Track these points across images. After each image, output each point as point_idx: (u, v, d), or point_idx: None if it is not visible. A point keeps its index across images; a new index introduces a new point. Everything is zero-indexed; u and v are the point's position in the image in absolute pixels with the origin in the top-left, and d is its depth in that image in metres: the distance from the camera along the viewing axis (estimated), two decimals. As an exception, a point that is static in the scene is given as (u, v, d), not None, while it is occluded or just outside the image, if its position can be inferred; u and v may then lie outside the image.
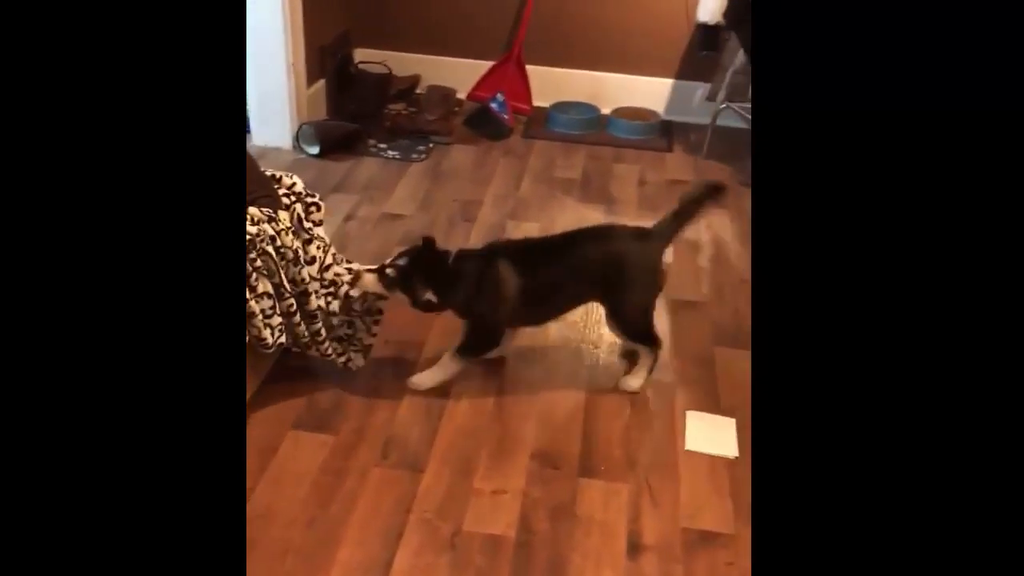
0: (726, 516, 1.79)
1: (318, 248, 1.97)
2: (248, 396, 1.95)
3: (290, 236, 1.86)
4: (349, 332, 2.07)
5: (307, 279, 1.89)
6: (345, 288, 2.01)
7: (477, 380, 2.14)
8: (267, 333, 1.81)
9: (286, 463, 1.84)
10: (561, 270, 2.02)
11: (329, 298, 1.99)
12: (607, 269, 2.02)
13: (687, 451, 1.96)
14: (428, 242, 1.97)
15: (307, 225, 1.99)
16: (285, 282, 1.84)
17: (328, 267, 2.00)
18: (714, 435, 2.02)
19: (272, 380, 2.04)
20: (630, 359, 2.22)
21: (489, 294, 1.98)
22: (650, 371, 2.14)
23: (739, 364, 2.26)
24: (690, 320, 2.47)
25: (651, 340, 2.13)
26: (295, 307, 1.89)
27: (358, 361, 2.09)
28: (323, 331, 1.96)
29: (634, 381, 2.14)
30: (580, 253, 2.03)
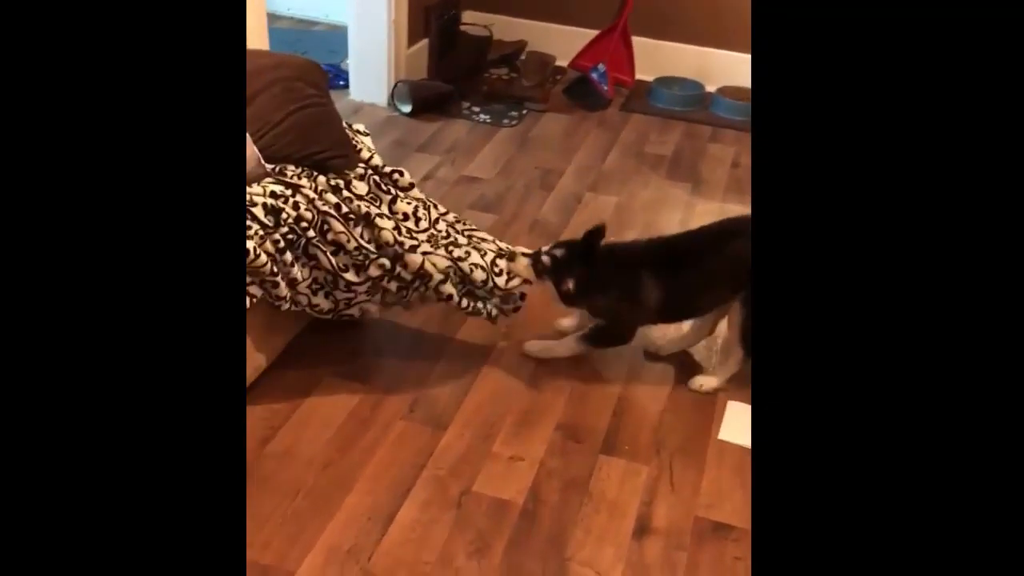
0: (745, 510, 1.74)
1: (411, 205, 1.94)
2: (288, 340, 2.01)
3: (359, 203, 1.84)
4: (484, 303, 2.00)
5: (393, 240, 1.83)
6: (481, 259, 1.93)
7: (518, 347, 2.14)
8: (319, 299, 1.86)
9: (316, 407, 1.90)
10: (704, 272, 1.97)
11: (454, 249, 1.92)
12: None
13: (719, 440, 1.91)
14: (593, 233, 1.94)
15: (389, 195, 1.95)
16: (364, 244, 1.81)
17: (445, 231, 1.95)
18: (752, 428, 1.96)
19: (315, 327, 2.10)
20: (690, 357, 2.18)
21: (629, 303, 1.98)
22: (733, 375, 2.05)
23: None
24: (754, 309, 2.39)
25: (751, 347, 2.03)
26: (390, 267, 1.84)
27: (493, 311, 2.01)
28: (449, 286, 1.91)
29: (712, 381, 2.06)
30: (726, 252, 1.95)
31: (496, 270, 1.95)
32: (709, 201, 2.95)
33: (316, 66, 2.05)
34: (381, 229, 1.82)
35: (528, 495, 1.73)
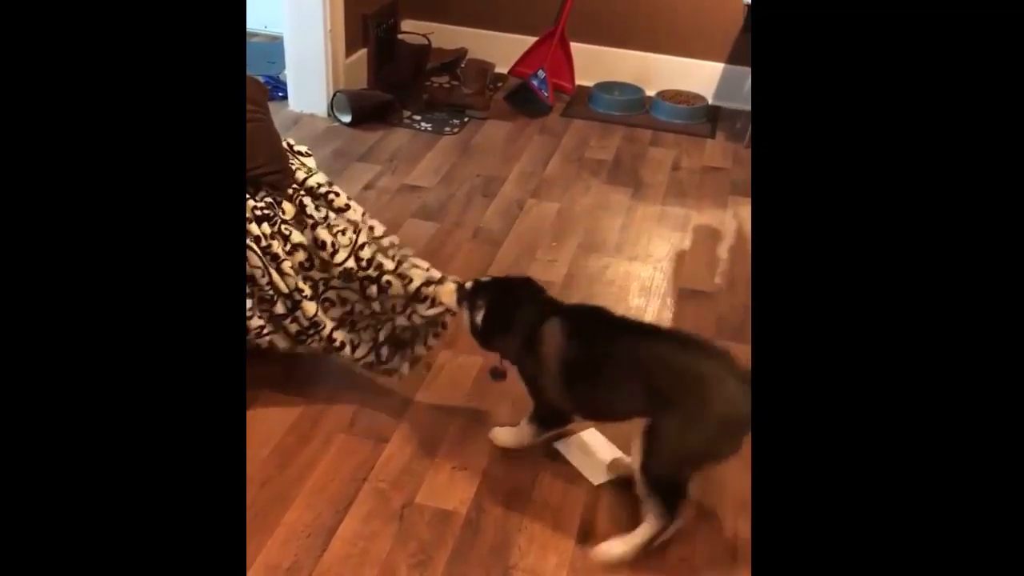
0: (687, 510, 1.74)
1: (331, 233, 1.82)
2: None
3: (279, 238, 1.77)
4: (405, 337, 1.94)
5: (295, 287, 1.78)
6: (396, 282, 1.83)
7: (461, 356, 2.13)
8: None
9: (254, 423, 1.87)
10: (617, 358, 1.62)
11: (369, 286, 1.82)
12: (676, 390, 1.55)
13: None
14: (527, 279, 1.80)
15: (320, 213, 1.85)
16: (279, 283, 1.77)
17: (366, 260, 1.83)
18: (593, 457, 1.86)
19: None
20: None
21: (533, 350, 1.69)
22: (648, 543, 1.61)
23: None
24: (696, 310, 2.41)
25: (674, 504, 1.59)
26: (291, 308, 1.80)
27: (401, 369, 1.94)
28: (343, 334, 1.87)
29: (619, 548, 1.61)
30: (653, 351, 1.61)
31: (421, 297, 1.84)
32: (650, 205, 2.97)
33: (254, 80, 2.00)
34: (284, 275, 1.77)
35: (471, 505, 1.72)
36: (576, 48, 3.81)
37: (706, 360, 1.57)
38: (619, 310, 2.32)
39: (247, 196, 1.79)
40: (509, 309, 1.72)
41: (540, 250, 2.63)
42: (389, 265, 1.84)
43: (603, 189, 3.06)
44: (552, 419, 1.79)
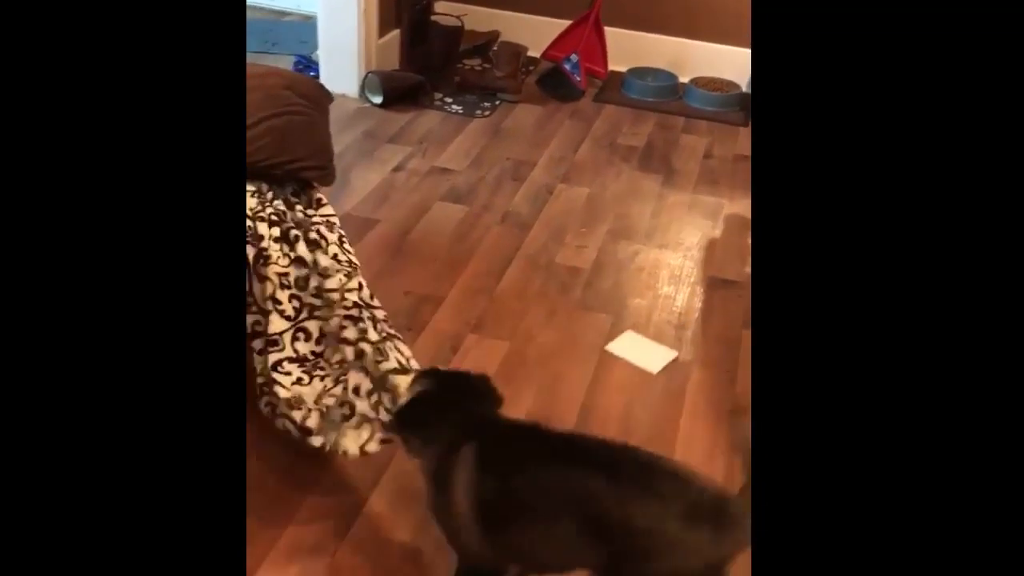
0: (713, 503, 1.73)
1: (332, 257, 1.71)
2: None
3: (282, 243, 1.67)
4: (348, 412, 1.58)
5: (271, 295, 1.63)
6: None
7: (488, 340, 2.13)
8: None
9: (280, 402, 1.87)
10: (549, 499, 1.27)
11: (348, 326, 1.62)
12: (626, 540, 1.22)
13: (689, 429, 1.90)
14: (468, 378, 1.48)
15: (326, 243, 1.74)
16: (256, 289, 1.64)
17: (352, 302, 1.65)
18: (644, 353, 2.05)
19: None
20: None
21: (439, 487, 1.36)
22: None
23: (765, 349, 2.17)
24: (725, 299, 2.39)
25: None
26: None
27: (346, 445, 1.55)
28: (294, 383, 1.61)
29: None
30: (597, 503, 1.24)
31: (387, 384, 1.56)
32: (681, 192, 2.94)
33: (313, 81, 1.99)
34: (265, 280, 1.64)
35: (494, 490, 1.71)
36: (610, 33, 3.77)
37: (653, 504, 1.22)
38: (648, 297, 2.36)
39: (264, 192, 1.76)
40: (432, 418, 1.41)
41: (569, 235, 2.61)
42: (373, 336, 1.63)
43: (634, 175, 3.03)
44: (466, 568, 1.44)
